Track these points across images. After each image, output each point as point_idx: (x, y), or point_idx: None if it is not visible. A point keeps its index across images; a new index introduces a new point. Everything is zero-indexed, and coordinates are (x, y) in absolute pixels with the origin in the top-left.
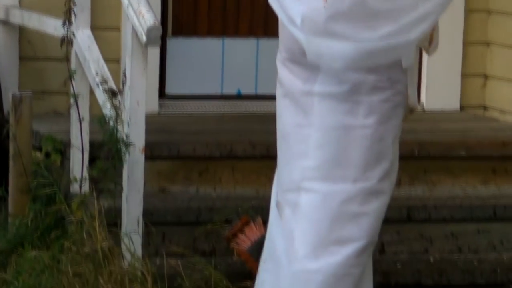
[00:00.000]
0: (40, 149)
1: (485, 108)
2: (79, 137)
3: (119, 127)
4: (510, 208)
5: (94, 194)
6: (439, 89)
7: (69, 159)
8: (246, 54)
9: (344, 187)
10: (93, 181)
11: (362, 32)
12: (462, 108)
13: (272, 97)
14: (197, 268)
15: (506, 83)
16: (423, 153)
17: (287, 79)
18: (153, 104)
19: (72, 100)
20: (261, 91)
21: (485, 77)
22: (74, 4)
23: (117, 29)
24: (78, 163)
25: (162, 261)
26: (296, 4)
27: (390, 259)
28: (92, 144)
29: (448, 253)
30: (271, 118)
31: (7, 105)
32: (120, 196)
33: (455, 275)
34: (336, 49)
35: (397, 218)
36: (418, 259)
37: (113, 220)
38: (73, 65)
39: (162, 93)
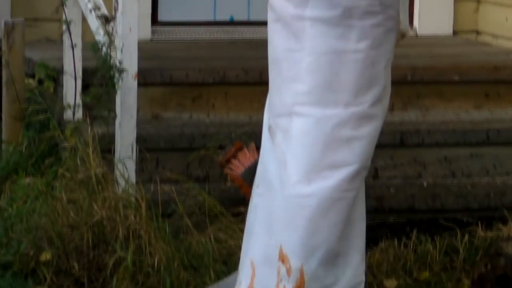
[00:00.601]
0: (33, 76)
1: (477, 32)
2: (72, 64)
3: (112, 54)
4: (503, 132)
5: (88, 120)
6: (432, 14)
7: (62, 86)
8: None
9: (336, 111)
10: (86, 107)
11: None
12: (455, 33)
13: (265, 23)
14: (191, 194)
15: (499, 8)
16: (416, 78)
17: (278, 3)
18: (146, 31)
19: (64, 27)
20: (254, 17)
21: (478, 1)
22: None
23: None
24: (71, 89)
25: (156, 187)
26: None
27: (384, 184)
28: (85, 71)
29: (441, 177)
30: (264, 44)
31: (0, 33)
32: (114, 123)
33: (448, 199)
34: None
35: (390, 143)
36: (411, 184)
37: (106, 147)
38: None
39: (154, 20)
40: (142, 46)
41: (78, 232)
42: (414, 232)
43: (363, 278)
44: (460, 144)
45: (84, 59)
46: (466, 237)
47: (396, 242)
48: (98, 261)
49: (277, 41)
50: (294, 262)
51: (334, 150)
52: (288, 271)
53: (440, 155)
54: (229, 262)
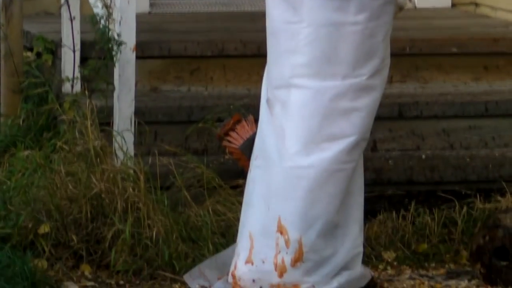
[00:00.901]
0: (31, 49)
1: (476, 4)
2: (70, 36)
3: (110, 26)
4: (501, 104)
5: (86, 93)
6: None
7: (60, 59)
8: None
9: (334, 83)
10: (84, 80)
11: None
12: (453, 5)
13: None
14: (189, 167)
15: None
16: (415, 50)
17: None
18: (144, 4)
19: (62, 0)
20: None
21: None
22: None
23: None
24: (69, 62)
25: (154, 160)
26: None
27: (382, 156)
28: (83, 44)
29: (440, 149)
30: (262, 17)
31: None
32: (112, 96)
33: (447, 171)
34: None
35: (389, 116)
36: (410, 156)
37: (105, 120)
38: None
39: None
40: (140, 19)
41: (76, 204)
42: (413, 204)
43: (361, 249)
44: (459, 116)
45: (82, 32)
46: (464, 209)
47: (394, 214)
48: (96, 233)
49: (276, 13)
50: (293, 234)
51: (332, 122)
52: (287, 242)
53: (438, 127)
54: (227, 235)
